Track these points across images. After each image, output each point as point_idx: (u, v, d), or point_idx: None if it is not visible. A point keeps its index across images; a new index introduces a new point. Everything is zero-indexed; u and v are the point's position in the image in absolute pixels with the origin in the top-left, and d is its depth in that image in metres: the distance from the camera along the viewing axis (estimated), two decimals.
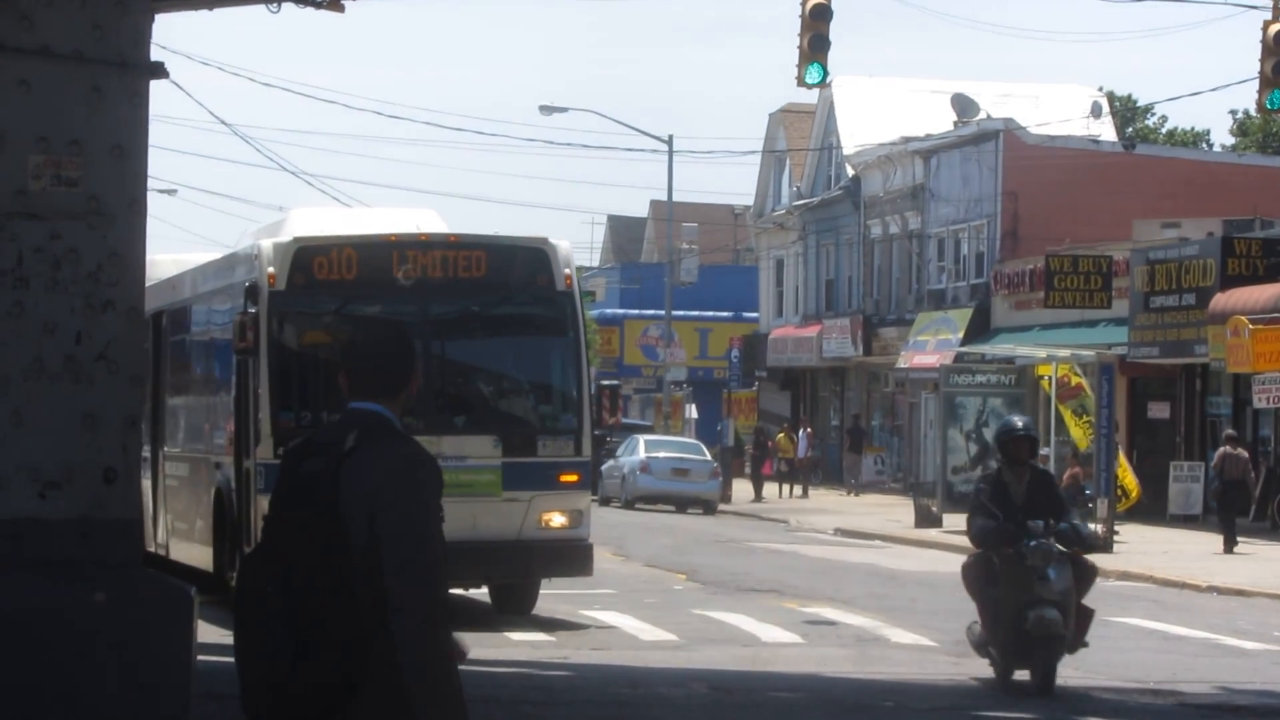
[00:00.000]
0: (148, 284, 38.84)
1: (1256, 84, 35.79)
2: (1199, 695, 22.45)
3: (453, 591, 29.85)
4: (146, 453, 33.47)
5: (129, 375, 12.17)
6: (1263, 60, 34.92)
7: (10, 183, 11.85)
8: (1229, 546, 46.36)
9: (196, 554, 31.68)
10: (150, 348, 34.68)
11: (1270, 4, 34.83)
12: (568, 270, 28.11)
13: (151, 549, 33.20)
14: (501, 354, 29.88)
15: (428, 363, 26.56)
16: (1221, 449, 48.89)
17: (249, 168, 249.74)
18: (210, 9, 28.49)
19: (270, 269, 26.69)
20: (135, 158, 12.20)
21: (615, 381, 29.51)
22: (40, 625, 11.61)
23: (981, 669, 22.73)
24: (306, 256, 27.00)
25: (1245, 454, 49.91)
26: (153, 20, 12.68)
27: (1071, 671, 22.98)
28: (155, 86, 12.65)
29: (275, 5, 28.12)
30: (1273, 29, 34.44)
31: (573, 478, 27.97)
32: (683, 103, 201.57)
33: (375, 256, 27.64)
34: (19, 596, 11.68)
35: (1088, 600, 22.07)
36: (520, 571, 28.58)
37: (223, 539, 29.01)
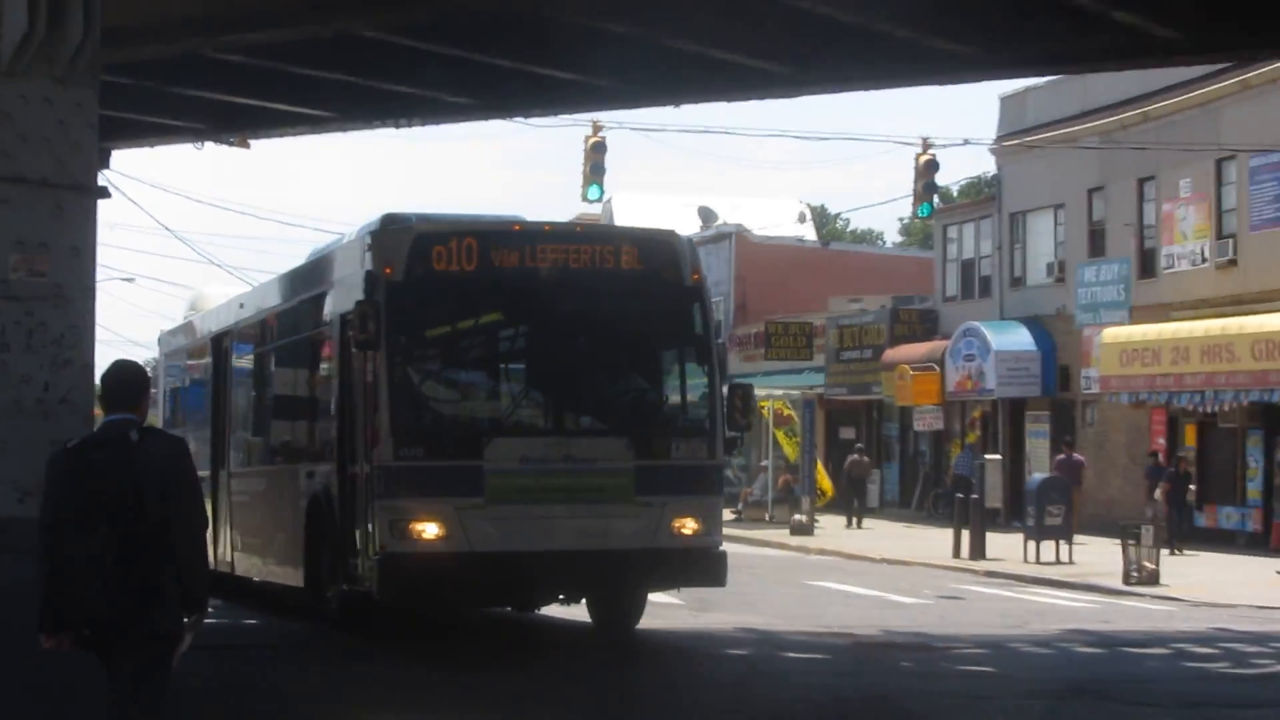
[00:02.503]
0: (198, 314, 30.79)
1: (912, 198, 36.31)
2: (869, 636, 22.65)
3: (545, 610, 22.89)
4: (205, 472, 25.74)
5: (83, 413, 12.18)
6: (916, 181, 35.50)
7: None
8: (850, 524, 48.92)
9: (277, 570, 23.59)
10: (210, 371, 28.27)
11: (920, 142, 35.33)
12: (695, 266, 20.52)
13: (211, 566, 26.31)
14: (630, 351, 21.25)
15: (555, 359, 20.28)
16: (851, 456, 52.13)
17: (187, 262, 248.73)
18: (151, 146, 28.54)
19: (387, 259, 19.26)
20: (87, 256, 12.23)
21: (748, 381, 21.86)
22: (21, 595, 11.64)
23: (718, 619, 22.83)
24: (425, 245, 19.40)
25: (868, 460, 53.21)
26: (106, 155, 12.70)
27: (777, 619, 23.15)
28: (117, 201, 12.67)
29: (200, 144, 28.24)
30: (922, 159, 35.04)
31: (706, 482, 20.28)
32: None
33: (497, 245, 19.75)
34: (6, 575, 11.52)
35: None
36: (654, 582, 21.06)
37: (317, 552, 21.13)
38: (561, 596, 21.47)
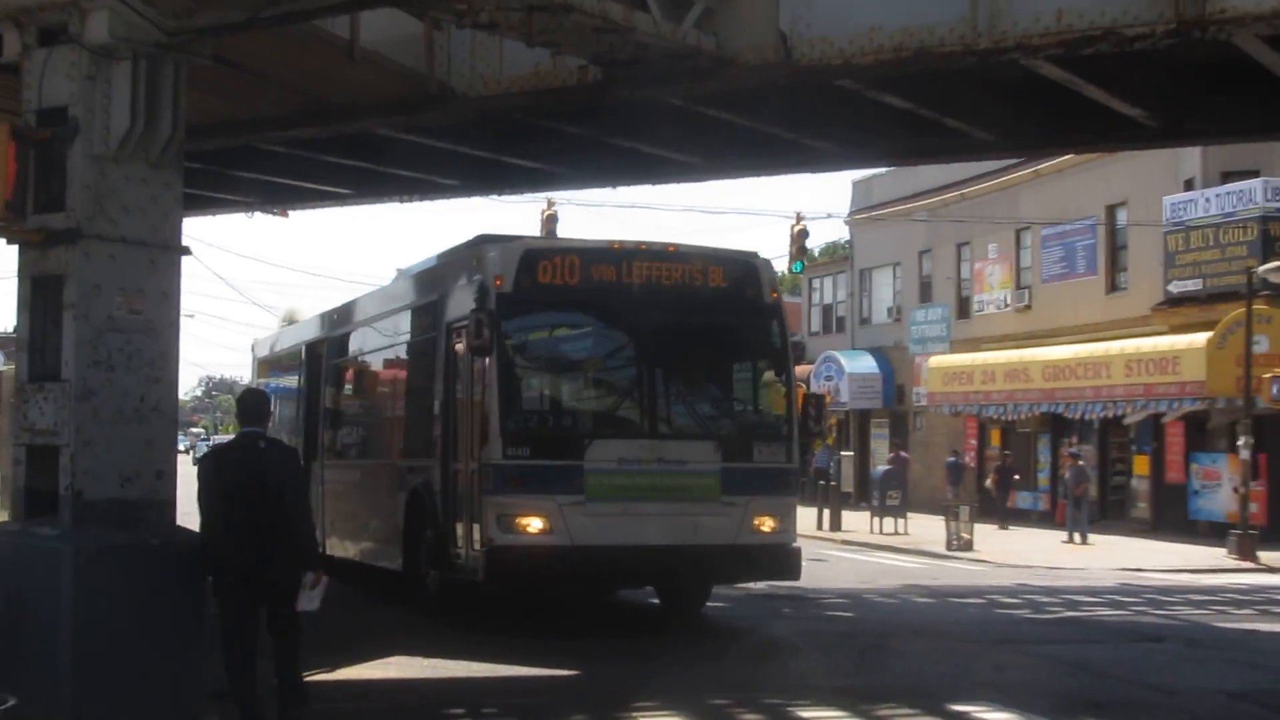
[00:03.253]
0: (291, 326, 27.84)
1: (788, 257, 36.41)
2: (757, 589, 22.57)
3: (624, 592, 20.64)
4: None
5: (170, 418, 12.11)
6: (791, 245, 35.56)
7: (105, 312, 11.82)
8: None
9: (373, 554, 20.51)
10: (303, 375, 25.01)
11: (795, 215, 35.45)
12: (773, 285, 17.94)
13: None
14: (717, 362, 18.10)
15: (649, 368, 17.03)
16: None
17: (234, 303, 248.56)
18: (213, 215, 28.37)
19: (497, 272, 16.54)
20: (173, 299, 12.19)
21: (821, 392, 18.67)
22: (125, 559, 11.58)
23: None
24: (532, 260, 16.72)
25: None
26: (183, 221, 12.64)
27: None
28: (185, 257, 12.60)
29: (250, 214, 28.05)
30: (796, 228, 35.11)
31: (784, 484, 17.31)
32: None
33: (597, 262, 16.98)
34: (113, 543, 11.44)
35: None
36: (736, 575, 18.31)
37: (416, 541, 18.26)
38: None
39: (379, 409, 21.52)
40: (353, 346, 22.68)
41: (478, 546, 16.31)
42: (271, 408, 11.66)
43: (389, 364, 20.95)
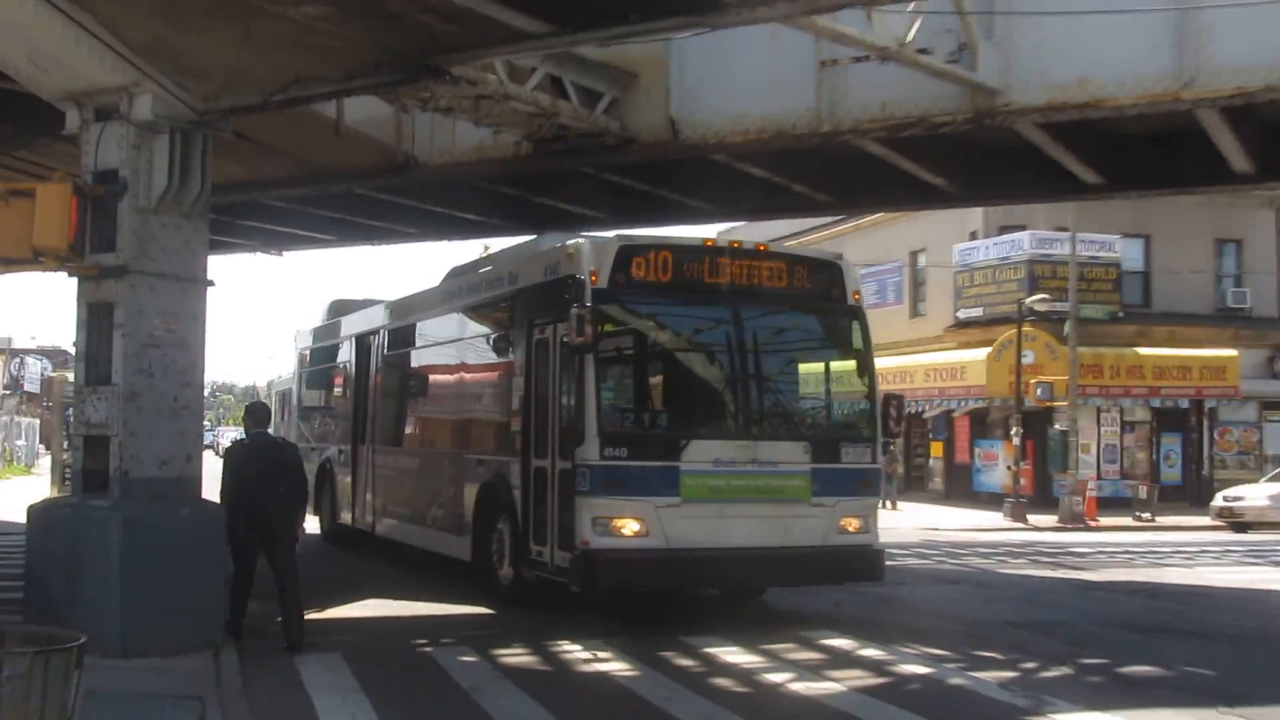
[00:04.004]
0: (338, 319, 23.40)
1: None
2: None
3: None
4: (346, 447, 20.58)
5: (197, 414, 11.98)
6: None
7: (147, 331, 11.68)
8: None
9: (436, 541, 16.54)
10: (352, 365, 21.12)
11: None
12: (856, 287, 14.15)
13: (347, 521, 20.08)
14: (805, 362, 14.33)
15: (741, 367, 13.43)
16: None
17: (233, 321, 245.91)
18: (224, 255, 27.89)
19: (593, 267, 12.87)
20: (201, 322, 12.04)
21: (900, 393, 15.90)
22: (162, 524, 11.41)
23: None
24: (626, 256, 12.99)
25: None
26: (208, 259, 12.47)
27: None
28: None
29: (254, 254, 27.64)
30: None
31: (868, 484, 13.75)
32: None
33: (690, 260, 13.28)
34: (152, 512, 11.29)
35: None
36: (824, 576, 13.99)
37: (486, 533, 14.79)
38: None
39: (441, 401, 17.39)
40: (410, 339, 18.77)
41: (568, 548, 13.01)
42: (271, 415, 12.24)
43: (453, 358, 17.03)
